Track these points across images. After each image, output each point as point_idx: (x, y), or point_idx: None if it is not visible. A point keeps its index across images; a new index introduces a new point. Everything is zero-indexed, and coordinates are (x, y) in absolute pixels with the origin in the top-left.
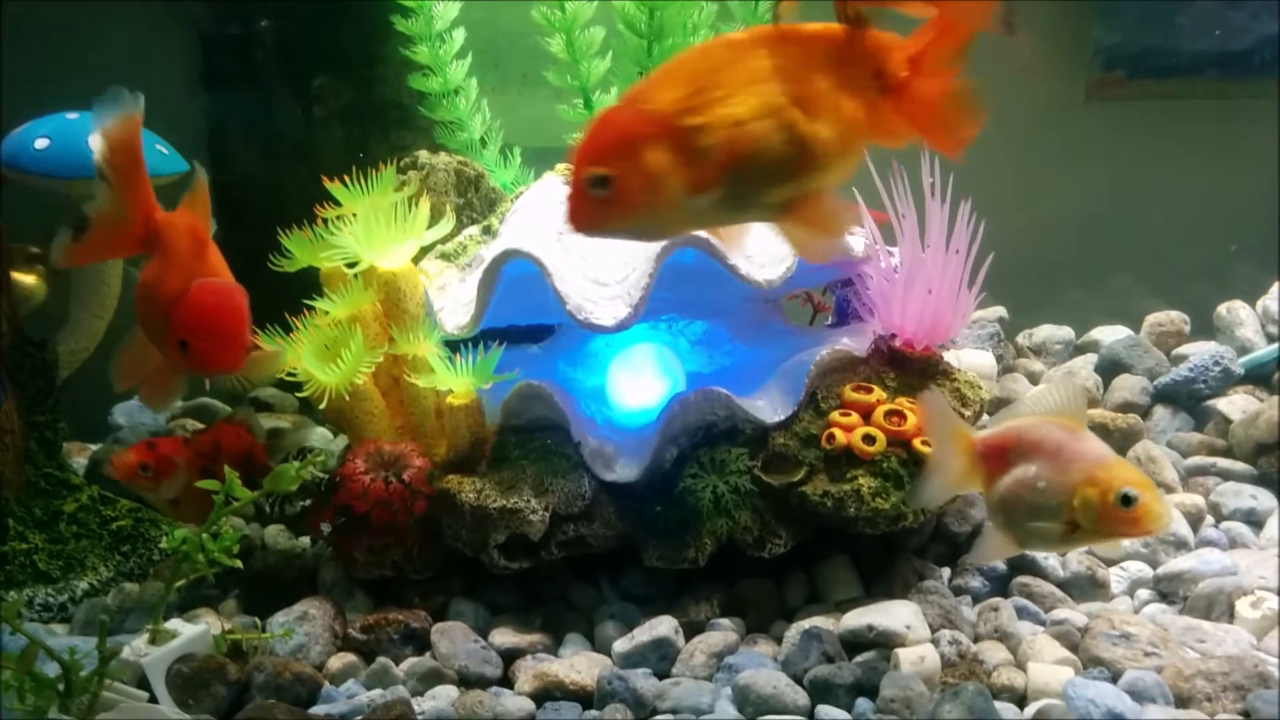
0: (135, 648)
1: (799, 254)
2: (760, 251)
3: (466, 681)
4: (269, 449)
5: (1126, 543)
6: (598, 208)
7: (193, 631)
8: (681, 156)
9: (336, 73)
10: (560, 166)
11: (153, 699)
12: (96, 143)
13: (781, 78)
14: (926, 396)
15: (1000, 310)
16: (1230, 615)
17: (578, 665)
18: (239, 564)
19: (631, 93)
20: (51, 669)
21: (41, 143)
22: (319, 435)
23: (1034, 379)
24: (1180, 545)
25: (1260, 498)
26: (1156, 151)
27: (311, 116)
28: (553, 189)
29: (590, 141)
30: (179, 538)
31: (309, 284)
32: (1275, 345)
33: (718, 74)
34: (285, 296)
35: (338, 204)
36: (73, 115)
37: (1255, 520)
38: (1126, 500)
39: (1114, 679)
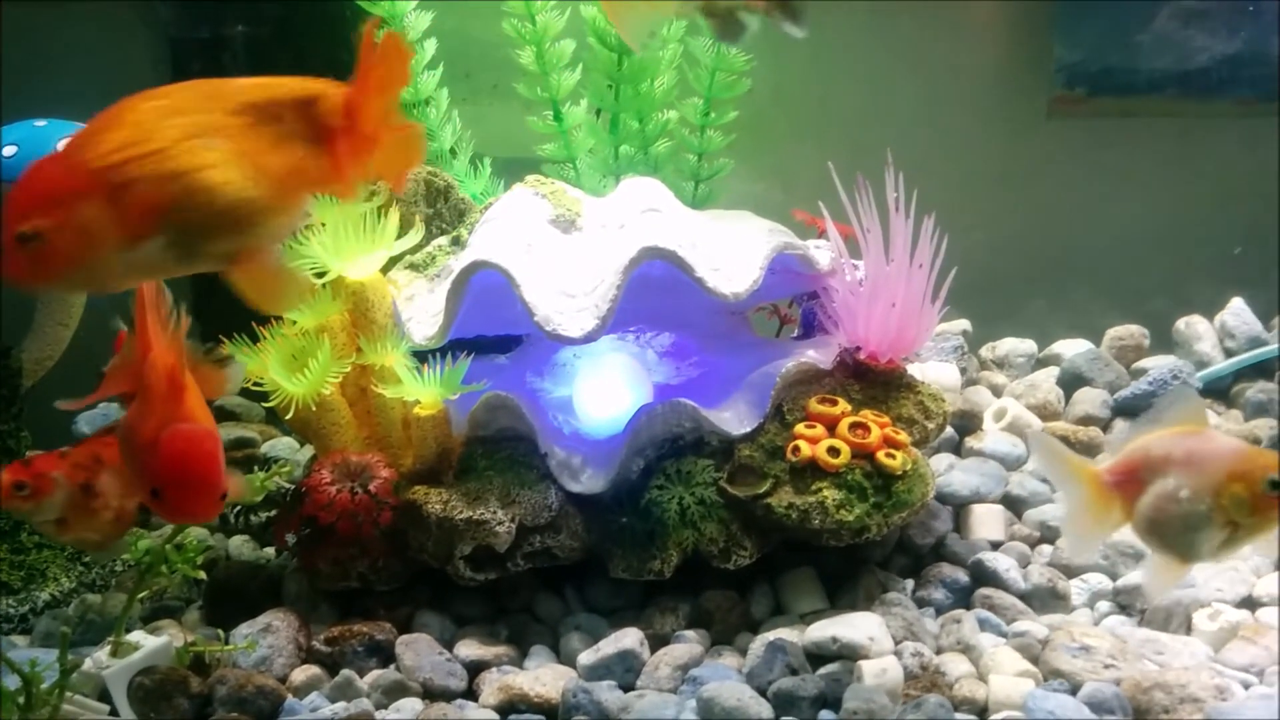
0: (97, 660)
1: (254, 302)
2: (727, 264)
3: (431, 694)
4: None
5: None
6: (30, 263)
7: (155, 644)
8: (114, 209)
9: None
10: (530, 178)
11: (114, 712)
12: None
13: (219, 130)
14: (1036, 440)
15: (964, 323)
16: (1188, 628)
17: (542, 678)
18: (202, 575)
19: (70, 142)
20: (12, 681)
21: (9, 150)
22: (285, 445)
23: (997, 391)
24: (1139, 557)
25: None
26: (1116, 168)
27: None
28: (522, 200)
29: (19, 196)
30: (142, 549)
31: None
32: (1232, 360)
33: (155, 124)
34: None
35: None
36: (40, 123)
37: None
38: (1275, 485)
39: (1073, 691)
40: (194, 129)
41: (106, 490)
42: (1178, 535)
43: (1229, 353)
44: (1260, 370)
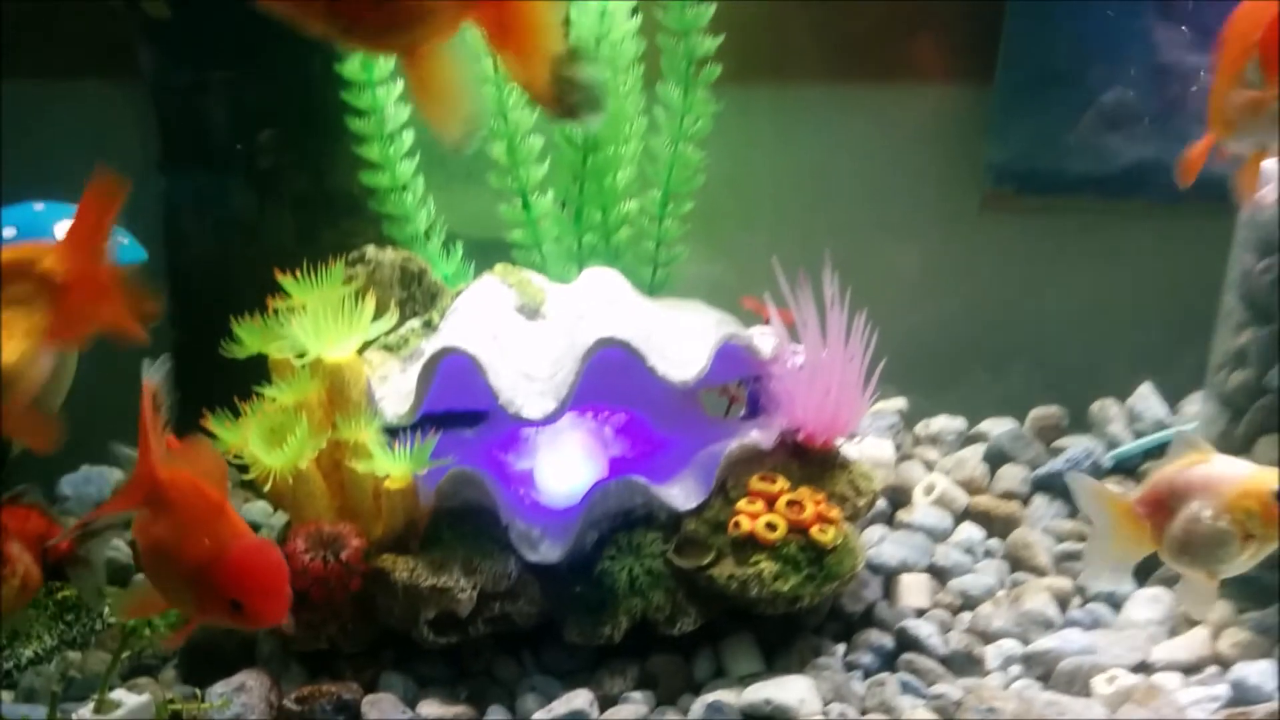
0: (81, 717)
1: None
2: (678, 353)
3: None
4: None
5: (999, 622)
6: None
7: (136, 701)
8: None
9: (291, 164)
10: (498, 267)
11: None
12: None
13: None
14: (1073, 481)
15: (901, 402)
16: (1088, 691)
17: None
18: None
19: None
20: None
21: (9, 232)
22: (259, 509)
23: (929, 466)
24: (1048, 625)
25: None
26: (1042, 259)
27: (266, 206)
28: (490, 289)
29: None
30: None
31: (257, 368)
32: (1140, 440)
33: None
34: (234, 377)
35: (289, 295)
36: (39, 206)
37: (1115, 602)
38: (1279, 496)
39: None
40: None
41: (14, 559)
42: (1206, 552)
43: (1138, 434)
44: (1166, 451)
